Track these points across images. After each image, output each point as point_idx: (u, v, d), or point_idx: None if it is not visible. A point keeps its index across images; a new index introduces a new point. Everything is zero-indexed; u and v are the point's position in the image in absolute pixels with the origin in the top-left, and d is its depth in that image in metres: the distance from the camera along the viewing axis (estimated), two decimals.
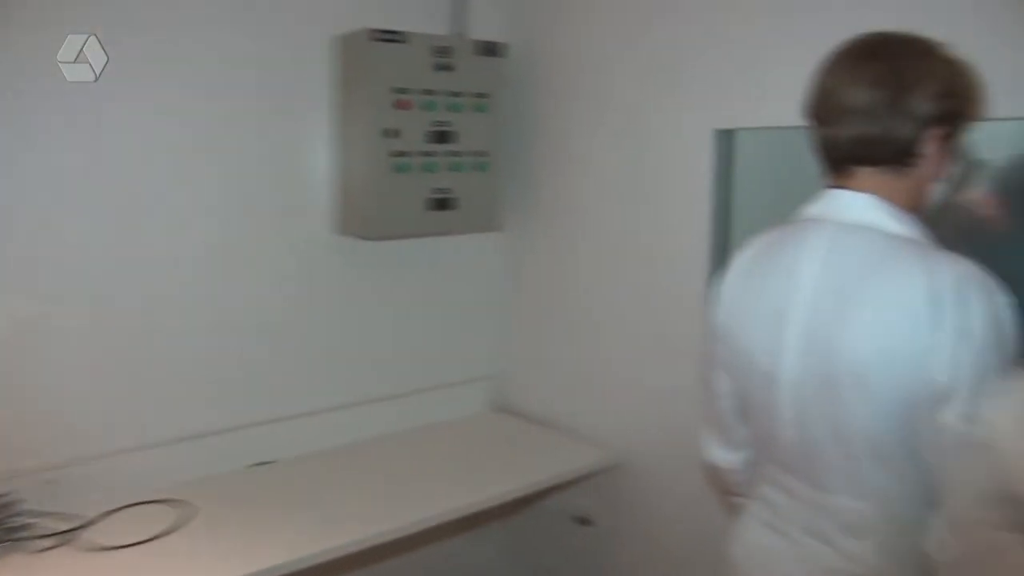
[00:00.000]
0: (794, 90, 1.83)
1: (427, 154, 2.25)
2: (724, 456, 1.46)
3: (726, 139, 2.11)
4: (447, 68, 2.25)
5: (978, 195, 1.63)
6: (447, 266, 2.61)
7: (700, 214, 2.14)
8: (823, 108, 1.20)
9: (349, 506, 1.97)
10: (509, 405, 2.73)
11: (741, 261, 1.33)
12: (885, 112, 1.13)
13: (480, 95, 2.33)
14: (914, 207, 1.20)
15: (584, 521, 2.49)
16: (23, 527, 1.73)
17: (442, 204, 2.30)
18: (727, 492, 1.56)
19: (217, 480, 2.08)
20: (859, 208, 1.17)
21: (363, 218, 2.22)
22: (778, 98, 1.92)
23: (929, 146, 1.15)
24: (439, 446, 2.42)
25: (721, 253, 2.13)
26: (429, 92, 2.23)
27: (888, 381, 1.09)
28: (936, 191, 1.22)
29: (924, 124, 1.13)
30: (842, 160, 1.20)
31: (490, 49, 2.34)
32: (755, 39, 1.98)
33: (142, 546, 1.73)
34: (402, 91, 2.18)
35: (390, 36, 2.14)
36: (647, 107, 2.24)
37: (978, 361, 1.05)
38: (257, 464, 2.20)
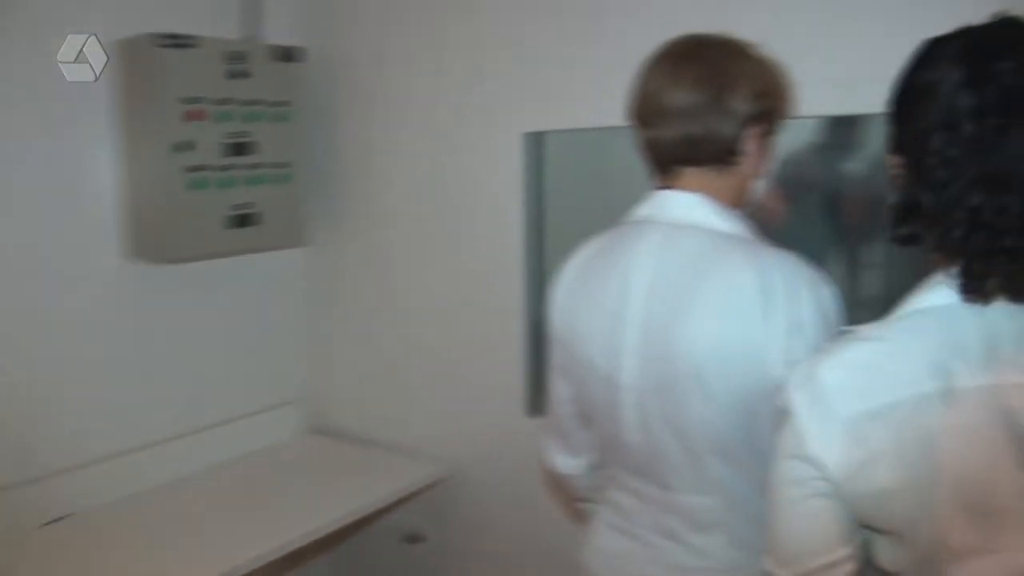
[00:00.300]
0: (600, 92, 1.90)
1: (224, 168, 2.09)
2: (566, 462, 1.46)
3: (536, 142, 2.12)
4: (242, 75, 2.10)
5: (765, 191, 1.75)
6: (251, 286, 2.44)
7: (513, 218, 2.15)
8: (646, 110, 1.21)
9: (153, 559, 1.79)
10: (327, 427, 2.60)
11: (574, 266, 1.32)
12: (707, 112, 1.15)
13: (279, 103, 2.20)
14: (738, 204, 1.23)
15: (415, 539, 2.43)
16: None
17: (243, 221, 2.15)
18: (573, 498, 1.57)
19: (5, 544, 1.83)
20: (687, 208, 1.19)
21: (156, 240, 2.03)
22: (585, 100, 1.97)
23: (749, 144, 1.19)
24: (253, 479, 2.26)
25: (536, 256, 2.16)
26: (223, 101, 2.06)
27: (726, 378, 1.11)
28: (757, 188, 1.27)
29: (744, 123, 1.17)
30: (668, 161, 1.21)
31: (287, 54, 2.21)
32: (561, 41, 2.01)
33: None
34: (193, 101, 2.00)
35: (177, 41, 1.96)
36: (455, 111, 2.21)
37: (811, 351, 1.08)
38: (52, 521, 1.95)
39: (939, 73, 0.84)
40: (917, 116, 0.85)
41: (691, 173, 1.20)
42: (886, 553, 0.89)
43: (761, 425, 1.12)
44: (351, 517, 2.06)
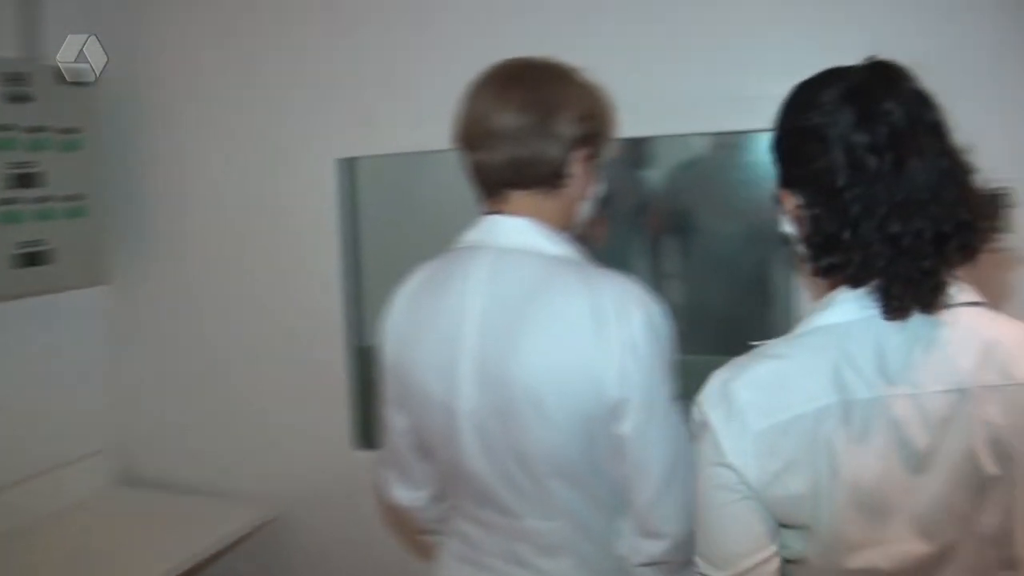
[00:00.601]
0: (415, 117, 1.91)
1: (8, 201, 1.91)
2: (406, 495, 1.42)
3: (348, 168, 2.09)
4: (23, 99, 1.93)
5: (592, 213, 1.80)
6: (47, 329, 2.23)
7: (330, 246, 2.10)
8: (473, 134, 1.21)
9: None
10: (138, 477, 2.41)
11: (403, 294, 1.29)
12: (533, 135, 1.16)
13: (69, 130, 2.03)
14: (567, 227, 1.24)
15: None
16: None
17: (32, 259, 1.96)
18: (418, 531, 1.52)
19: None
20: (516, 232, 1.19)
21: None
22: (400, 125, 1.97)
23: (576, 167, 1.20)
24: (56, 541, 2.05)
25: (354, 284, 2.12)
26: (3, 128, 1.88)
27: (563, 401, 1.11)
28: (585, 210, 1.28)
29: (570, 146, 1.18)
30: (495, 184, 1.21)
31: (74, 75, 2.04)
32: (377, 66, 1.99)
33: None
34: None
35: None
36: (267, 137, 2.14)
37: (645, 371, 1.11)
38: None
39: (829, 117, 0.91)
40: (814, 157, 0.92)
41: (519, 196, 1.20)
42: (794, 545, 0.95)
43: (601, 446, 1.14)
44: (170, 574, 1.91)
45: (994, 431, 0.87)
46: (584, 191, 1.25)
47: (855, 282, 0.91)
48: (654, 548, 1.15)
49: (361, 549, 2.14)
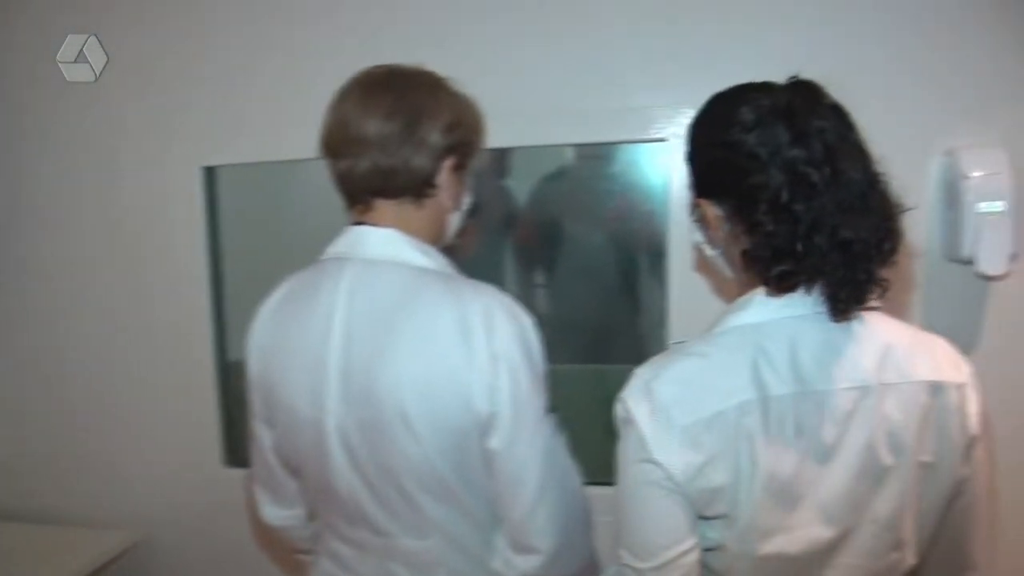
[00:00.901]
0: (278, 125, 1.85)
1: None
2: (277, 514, 1.38)
3: (212, 177, 2.02)
4: None
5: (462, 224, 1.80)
6: None
7: (196, 258, 2.02)
8: (338, 141, 1.17)
9: None
10: None
11: (268, 308, 1.25)
12: (400, 143, 1.14)
13: None
14: (436, 238, 1.23)
15: None
16: None
17: None
18: (294, 550, 1.48)
19: None
20: (382, 243, 1.17)
21: None
22: (264, 133, 1.91)
23: (444, 176, 1.19)
24: None
25: (221, 297, 2.05)
26: None
27: (431, 416, 1.10)
28: (455, 221, 1.27)
29: (438, 155, 1.17)
30: (361, 194, 1.18)
31: None
32: (238, 73, 1.93)
33: None
34: None
35: None
36: (126, 145, 2.02)
37: (514, 384, 1.10)
38: None
39: (759, 135, 0.94)
40: (745, 173, 0.94)
41: (386, 206, 1.18)
42: (712, 535, 0.99)
43: (472, 461, 1.13)
44: None
45: (891, 424, 0.94)
46: (453, 202, 1.24)
47: (805, 288, 0.95)
48: (528, 563, 1.16)
49: (232, 571, 2.07)
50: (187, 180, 1.99)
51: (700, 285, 1.73)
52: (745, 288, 1.01)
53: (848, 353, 0.95)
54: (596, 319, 1.98)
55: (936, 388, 0.97)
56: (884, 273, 0.95)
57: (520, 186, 2.00)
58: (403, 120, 1.14)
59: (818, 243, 0.91)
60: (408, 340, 1.11)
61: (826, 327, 0.96)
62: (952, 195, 1.58)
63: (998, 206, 1.51)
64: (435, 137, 1.16)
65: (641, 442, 0.96)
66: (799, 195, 0.91)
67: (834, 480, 0.94)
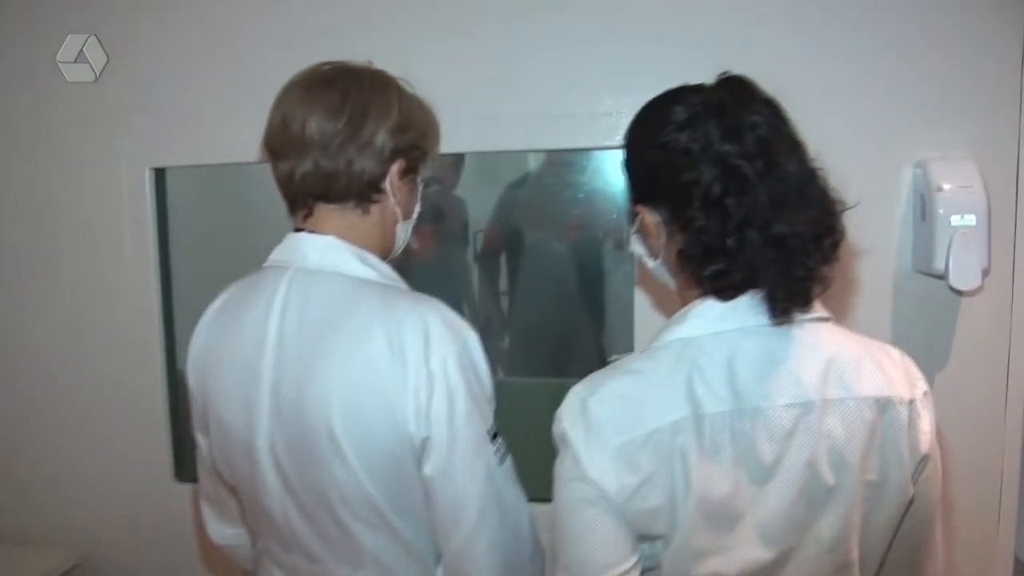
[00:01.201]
0: (230, 126, 1.77)
1: None
2: (223, 532, 1.31)
3: (161, 178, 1.95)
4: None
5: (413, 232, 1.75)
6: None
7: (144, 263, 1.94)
8: (279, 141, 1.10)
9: None
10: None
11: (209, 315, 1.19)
12: (344, 144, 1.07)
13: None
14: (383, 248, 1.16)
15: None
16: None
17: None
18: (243, 571, 1.41)
19: None
20: (320, 251, 1.10)
21: None
22: (215, 134, 1.84)
23: (392, 182, 1.12)
24: None
25: (171, 304, 1.98)
26: None
27: (360, 439, 1.03)
28: (404, 231, 1.20)
29: (385, 158, 1.10)
30: (303, 197, 1.11)
31: None
32: (198, 69, 1.86)
33: None
34: None
35: None
36: (73, 145, 1.94)
37: (450, 406, 1.03)
38: None
39: (691, 132, 0.91)
40: (679, 171, 0.92)
41: (328, 212, 1.11)
42: (651, 552, 0.95)
43: (409, 488, 1.06)
44: None
45: (833, 442, 0.90)
46: (402, 210, 1.17)
47: (733, 291, 0.92)
48: None
49: None
50: (136, 182, 1.91)
51: (666, 294, 1.69)
52: (686, 300, 0.98)
53: (789, 367, 0.91)
54: (559, 330, 1.94)
55: (883, 404, 0.93)
56: (826, 271, 0.92)
57: (483, 193, 1.95)
58: (347, 119, 1.07)
59: (751, 238, 0.88)
60: (338, 356, 1.04)
61: (767, 340, 0.92)
62: (924, 207, 1.55)
63: (971, 220, 1.48)
64: (382, 139, 1.09)
65: (576, 461, 0.92)
66: (731, 189, 0.89)
67: (773, 500, 0.91)
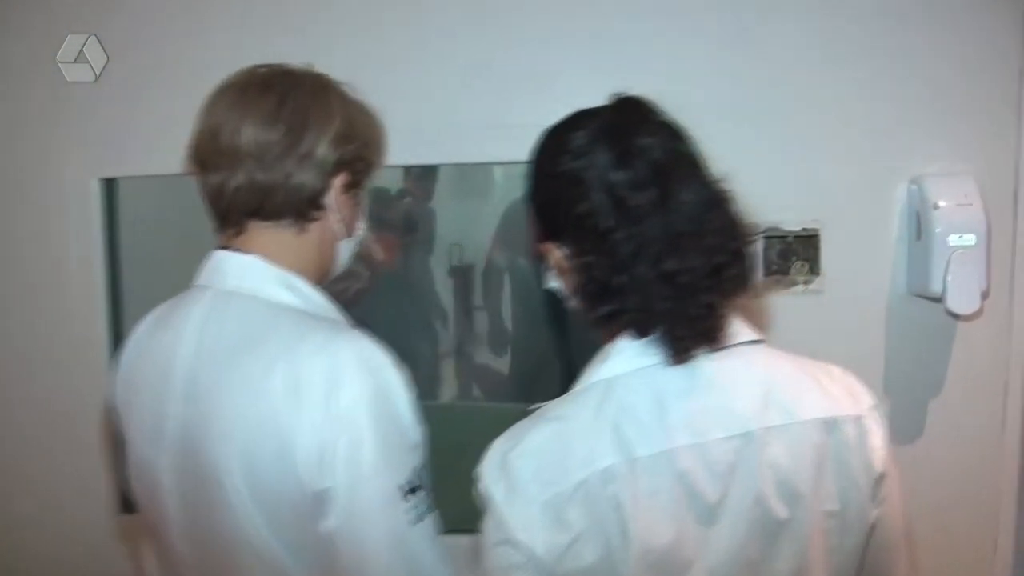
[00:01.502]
0: (182, 135, 1.66)
1: None
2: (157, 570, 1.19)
3: (111, 189, 1.84)
4: None
5: (377, 238, 1.65)
6: None
7: (91, 278, 1.83)
8: (208, 151, 1.00)
9: None
10: None
11: (135, 336, 1.09)
12: (281, 155, 0.97)
13: None
14: (320, 270, 1.06)
15: None
16: None
17: None
18: None
19: None
20: (239, 272, 1.00)
21: None
22: (166, 143, 1.70)
23: (333, 197, 1.03)
24: None
25: (116, 319, 1.87)
26: None
27: (257, 486, 0.92)
28: (347, 250, 1.11)
29: (327, 171, 1.00)
30: (235, 214, 1.01)
31: None
32: (143, 78, 1.77)
33: None
34: None
35: None
36: (16, 154, 1.83)
37: (353, 455, 0.90)
38: None
39: (584, 160, 0.86)
40: (573, 202, 0.86)
41: (261, 230, 1.01)
42: None
43: (315, 544, 0.93)
44: None
45: (780, 473, 0.84)
46: (344, 227, 1.07)
47: (638, 329, 0.85)
48: None
49: None
50: (83, 193, 1.81)
51: None
52: (608, 338, 0.89)
53: (723, 398, 0.85)
54: (530, 352, 1.84)
55: (830, 424, 0.87)
56: (728, 305, 0.86)
57: (450, 206, 1.86)
58: (285, 128, 0.98)
59: (641, 274, 0.83)
60: (239, 390, 0.93)
61: (695, 370, 0.85)
62: (920, 226, 1.47)
63: (970, 239, 1.41)
64: (323, 149, 0.99)
65: (500, 523, 0.85)
66: (620, 222, 0.83)
67: (723, 541, 0.84)
